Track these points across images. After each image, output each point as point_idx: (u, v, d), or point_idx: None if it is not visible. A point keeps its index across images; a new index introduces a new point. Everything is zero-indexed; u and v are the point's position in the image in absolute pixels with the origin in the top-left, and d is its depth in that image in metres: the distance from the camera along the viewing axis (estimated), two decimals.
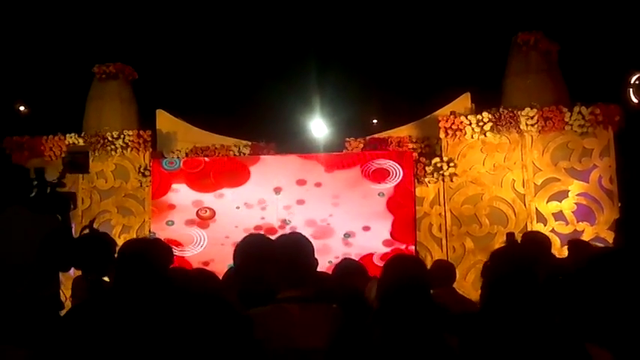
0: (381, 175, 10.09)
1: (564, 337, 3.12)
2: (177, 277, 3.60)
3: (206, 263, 9.70)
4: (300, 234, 3.54)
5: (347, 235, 10.03)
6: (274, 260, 3.38)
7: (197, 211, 10.48)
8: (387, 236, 9.97)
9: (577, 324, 3.16)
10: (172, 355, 2.52)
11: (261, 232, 4.46)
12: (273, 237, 4.25)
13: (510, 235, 6.29)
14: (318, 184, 10.27)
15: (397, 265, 3.70)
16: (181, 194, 10.53)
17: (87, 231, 5.07)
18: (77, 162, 5.44)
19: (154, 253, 3.38)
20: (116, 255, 3.67)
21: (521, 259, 3.79)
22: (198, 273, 3.97)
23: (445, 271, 5.95)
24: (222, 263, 9.89)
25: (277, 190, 10.33)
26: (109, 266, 4.57)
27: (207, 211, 10.48)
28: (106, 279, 4.75)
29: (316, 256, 3.43)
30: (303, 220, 10.18)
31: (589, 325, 3.12)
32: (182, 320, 2.77)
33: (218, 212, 10.44)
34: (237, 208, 10.39)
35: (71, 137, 11.13)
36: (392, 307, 3.18)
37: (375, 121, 16.04)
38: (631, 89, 9.25)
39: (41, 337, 3.35)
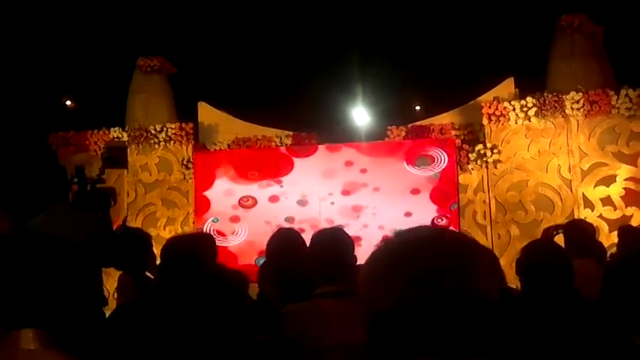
0: (424, 162, 10.01)
1: (609, 328, 3.05)
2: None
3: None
4: (338, 228, 3.51)
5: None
6: (311, 255, 3.36)
7: (239, 200, 10.54)
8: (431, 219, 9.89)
9: (625, 315, 3.08)
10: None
11: (292, 227, 4.42)
12: (313, 230, 4.27)
13: (546, 231, 6.15)
14: (361, 172, 10.23)
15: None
16: (224, 185, 10.59)
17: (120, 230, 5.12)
18: (115, 157, 5.49)
19: (200, 251, 3.40)
20: (161, 252, 3.68)
21: (550, 253, 3.73)
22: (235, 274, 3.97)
23: None
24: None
25: (320, 182, 10.32)
26: (147, 262, 4.61)
27: (250, 199, 10.53)
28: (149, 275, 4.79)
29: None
30: (346, 211, 10.16)
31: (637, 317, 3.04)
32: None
33: (259, 201, 10.49)
34: (279, 199, 10.42)
35: (115, 131, 11.27)
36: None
37: (417, 107, 15.92)
38: None
39: (89, 337, 3.39)
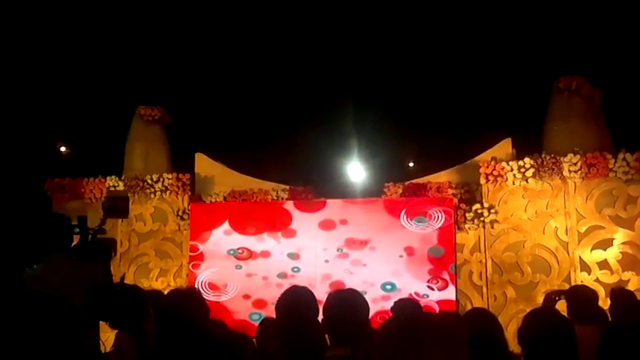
0: (421, 220, 9.98)
1: None
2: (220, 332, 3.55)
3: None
4: (355, 290, 3.43)
5: (387, 288, 9.89)
6: (325, 315, 3.29)
7: (236, 251, 10.46)
8: (425, 283, 9.82)
9: None
10: None
11: (305, 286, 4.34)
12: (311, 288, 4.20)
13: (548, 296, 6.08)
14: (358, 229, 10.19)
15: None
16: (219, 237, 10.51)
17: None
18: (117, 207, 5.45)
19: (193, 312, 3.34)
20: (152, 309, 3.62)
21: (555, 322, 3.66)
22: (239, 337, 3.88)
23: None
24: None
25: (317, 238, 10.27)
26: (144, 320, 4.51)
27: (245, 251, 10.45)
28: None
29: None
30: (342, 266, 10.10)
31: None
32: None
33: (255, 254, 10.42)
34: (273, 253, 10.36)
35: (111, 180, 11.25)
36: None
37: (411, 164, 15.94)
38: None
39: None
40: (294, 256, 10.27)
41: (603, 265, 9.52)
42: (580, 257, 9.60)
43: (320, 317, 3.51)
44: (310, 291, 4.26)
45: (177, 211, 10.95)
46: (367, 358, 3.15)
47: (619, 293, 6.30)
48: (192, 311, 3.62)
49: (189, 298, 3.96)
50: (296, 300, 4.14)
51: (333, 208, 10.37)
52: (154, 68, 14.39)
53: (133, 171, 11.32)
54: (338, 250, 10.18)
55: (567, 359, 3.37)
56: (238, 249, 10.45)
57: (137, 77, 14.26)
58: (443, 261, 9.86)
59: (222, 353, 3.39)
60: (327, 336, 3.48)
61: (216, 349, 3.33)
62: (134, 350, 4.41)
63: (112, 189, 10.96)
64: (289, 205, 10.55)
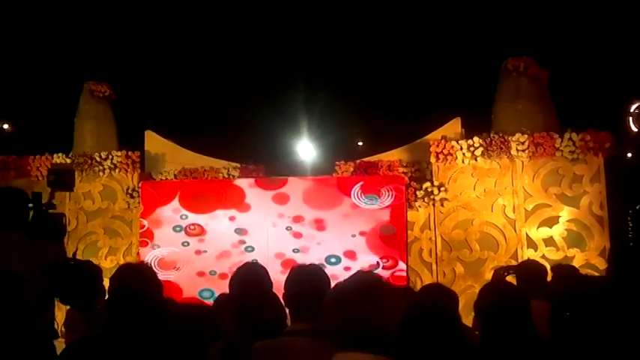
0: (373, 198, 10.05)
1: None
2: (172, 310, 3.50)
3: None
4: (316, 266, 3.44)
5: (332, 261, 9.94)
6: (287, 290, 3.29)
7: (186, 227, 10.39)
8: (376, 260, 9.91)
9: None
10: None
11: (258, 262, 4.35)
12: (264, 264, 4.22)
13: (498, 272, 6.17)
14: (310, 207, 10.21)
15: (421, 293, 3.66)
16: (170, 214, 10.42)
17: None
18: (62, 180, 5.29)
19: (145, 287, 3.29)
20: (110, 285, 3.55)
21: (511, 295, 3.72)
22: (196, 308, 3.84)
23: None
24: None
25: (270, 215, 10.26)
26: (96, 297, 4.44)
27: (196, 227, 10.38)
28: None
29: None
30: (293, 243, 10.12)
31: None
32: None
33: (207, 230, 10.36)
34: (225, 230, 10.32)
35: (58, 157, 11.04)
36: (415, 338, 3.12)
37: (360, 143, 16.01)
38: (630, 118, 9.24)
39: None
40: (242, 231, 10.23)
41: (549, 242, 9.74)
42: (527, 234, 9.81)
43: (282, 293, 3.51)
44: (263, 267, 4.27)
45: (127, 189, 10.80)
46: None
47: (561, 268, 6.43)
48: (145, 287, 3.56)
49: (140, 274, 3.91)
50: (250, 275, 4.15)
51: (294, 185, 10.34)
52: (100, 43, 14.10)
53: (83, 148, 11.11)
54: (287, 228, 10.19)
55: (523, 330, 3.43)
56: (190, 225, 10.37)
57: (82, 53, 13.98)
58: (394, 239, 9.95)
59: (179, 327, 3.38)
60: (288, 311, 3.49)
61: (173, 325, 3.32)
62: (86, 327, 4.35)
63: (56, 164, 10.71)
64: (241, 182, 10.51)
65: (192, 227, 10.37)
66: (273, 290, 4.07)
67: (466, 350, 3.21)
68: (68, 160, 10.97)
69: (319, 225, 10.16)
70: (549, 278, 5.86)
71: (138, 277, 3.47)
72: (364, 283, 2.37)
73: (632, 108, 9.23)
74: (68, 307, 4.84)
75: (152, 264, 10.07)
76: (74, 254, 5.32)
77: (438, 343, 3.07)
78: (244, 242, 10.22)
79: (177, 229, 10.40)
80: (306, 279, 3.27)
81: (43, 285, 4.04)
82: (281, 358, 3.06)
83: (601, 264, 9.43)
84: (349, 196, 10.10)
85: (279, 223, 10.22)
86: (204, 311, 3.27)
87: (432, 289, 4.19)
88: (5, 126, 16.58)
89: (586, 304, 3.34)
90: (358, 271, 2.51)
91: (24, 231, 4.43)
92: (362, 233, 10.01)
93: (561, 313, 3.41)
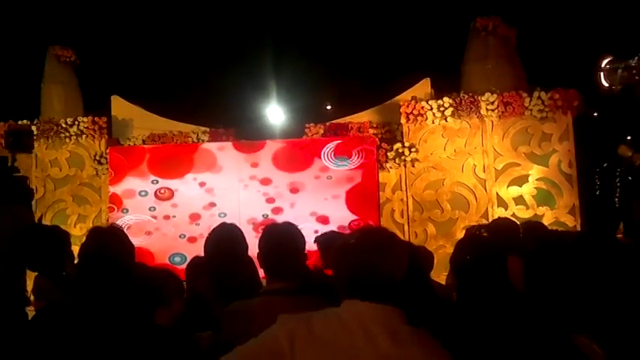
0: (343, 159, 10.02)
1: (547, 327, 3.08)
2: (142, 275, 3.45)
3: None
4: (290, 224, 3.36)
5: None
6: (262, 249, 3.24)
7: (156, 191, 10.29)
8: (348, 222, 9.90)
9: (562, 314, 3.13)
10: None
11: (233, 223, 4.29)
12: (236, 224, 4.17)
13: (470, 230, 6.19)
14: (281, 169, 10.16)
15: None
16: (139, 180, 10.31)
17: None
18: (21, 141, 5.19)
19: (117, 250, 3.24)
20: (76, 252, 3.50)
21: (486, 247, 3.71)
22: (165, 273, 3.79)
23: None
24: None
25: (241, 179, 10.19)
26: (65, 262, 4.35)
27: (166, 191, 10.29)
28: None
29: None
30: (265, 206, 10.09)
31: (575, 315, 3.09)
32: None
33: (177, 194, 10.27)
34: (196, 193, 10.25)
35: (23, 124, 10.78)
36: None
37: (328, 107, 15.91)
38: (602, 73, 9.27)
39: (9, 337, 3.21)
40: (212, 194, 10.17)
41: (519, 200, 9.84)
42: (497, 193, 9.90)
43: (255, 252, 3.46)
44: (238, 227, 4.22)
45: (95, 156, 10.65)
46: (302, 291, 3.15)
47: (530, 225, 6.49)
48: (116, 249, 3.50)
49: (112, 236, 3.83)
50: (224, 236, 4.10)
51: (269, 148, 10.28)
52: (62, 6, 13.76)
53: (51, 114, 10.93)
54: (258, 191, 10.14)
55: (500, 282, 3.42)
56: (159, 189, 10.26)
57: (44, 17, 13.64)
58: (366, 200, 9.95)
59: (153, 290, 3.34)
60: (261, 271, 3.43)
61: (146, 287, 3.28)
62: (55, 293, 4.28)
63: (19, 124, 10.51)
64: (211, 145, 10.42)
65: (161, 191, 10.26)
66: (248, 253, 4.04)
67: (441, 305, 3.21)
68: (34, 127, 10.75)
69: (291, 188, 10.11)
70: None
71: (109, 240, 3.41)
72: (375, 233, 2.45)
73: (603, 64, 9.24)
74: (36, 273, 4.77)
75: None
76: (39, 219, 5.23)
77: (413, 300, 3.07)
78: (215, 205, 10.14)
79: (144, 193, 10.27)
80: (280, 237, 3.22)
81: (14, 250, 3.96)
82: (257, 318, 3.01)
83: (570, 221, 9.55)
84: (320, 157, 10.06)
85: (251, 186, 10.16)
86: (153, 275, 3.25)
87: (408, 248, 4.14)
88: None
89: (558, 254, 3.34)
90: (366, 225, 2.61)
91: None
92: (334, 196, 9.98)
93: (534, 265, 3.41)
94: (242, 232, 4.09)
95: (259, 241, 3.26)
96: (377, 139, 10.20)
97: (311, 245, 5.71)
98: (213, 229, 4.10)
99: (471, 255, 3.54)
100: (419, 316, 2.89)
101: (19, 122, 10.79)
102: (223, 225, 4.19)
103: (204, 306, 3.85)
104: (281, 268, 3.12)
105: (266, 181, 10.14)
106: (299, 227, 3.28)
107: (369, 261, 2.29)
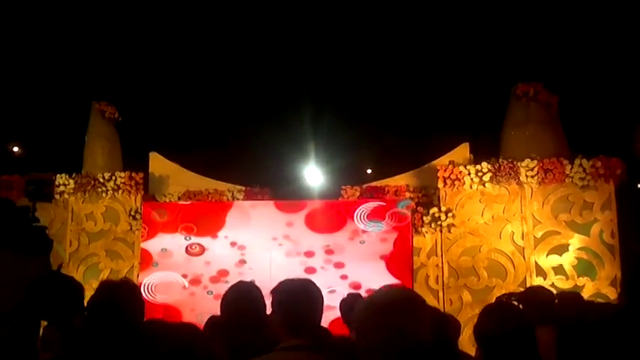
0: (376, 223, 9.87)
1: None
2: (154, 329, 3.35)
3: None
4: (309, 280, 3.24)
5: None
6: (277, 305, 3.11)
7: (186, 247, 10.21)
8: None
9: None
10: None
11: (249, 281, 4.18)
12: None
13: (500, 298, 5.97)
14: (316, 232, 10.05)
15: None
16: (171, 237, 10.26)
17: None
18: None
19: (123, 301, 3.16)
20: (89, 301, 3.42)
21: (513, 317, 3.50)
22: (180, 326, 3.68)
23: None
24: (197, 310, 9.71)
25: (269, 239, 10.09)
26: (75, 313, 4.26)
27: (197, 247, 10.21)
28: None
29: None
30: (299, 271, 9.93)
31: None
32: None
33: (208, 250, 10.18)
34: (227, 250, 10.16)
35: (61, 178, 10.91)
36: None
37: (369, 170, 15.84)
38: None
39: None
40: (242, 252, 10.07)
41: (559, 270, 9.53)
42: (536, 262, 9.61)
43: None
44: (256, 285, 4.08)
45: (130, 211, 10.69)
46: (319, 348, 3.00)
47: (565, 294, 6.26)
48: (122, 302, 3.41)
49: (120, 288, 3.75)
50: (241, 294, 3.97)
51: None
52: (104, 64, 14.06)
53: (94, 168, 11.05)
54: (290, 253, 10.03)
55: (527, 355, 3.23)
56: (191, 245, 10.20)
57: (87, 74, 13.93)
58: (399, 265, 9.74)
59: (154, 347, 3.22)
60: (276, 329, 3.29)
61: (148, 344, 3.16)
62: (58, 345, 4.19)
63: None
64: (243, 203, 10.38)
65: (193, 247, 10.20)
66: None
67: None
68: (72, 181, 10.87)
69: (326, 250, 9.96)
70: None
71: (116, 293, 3.35)
72: (400, 296, 2.37)
73: None
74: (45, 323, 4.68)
75: (149, 289, 9.93)
76: (59, 267, 5.13)
77: None
78: (245, 262, 10.04)
79: (179, 250, 10.22)
80: (298, 293, 3.10)
81: (30, 301, 3.88)
82: None
83: (612, 293, 9.19)
84: (352, 219, 9.92)
85: (285, 245, 10.05)
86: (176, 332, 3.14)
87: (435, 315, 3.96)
88: (15, 148, 16.56)
89: (594, 329, 3.15)
90: (387, 286, 2.53)
91: (11, 247, 4.28)
92: (368, 260, 9.79)
93: (569, 339, 3.21)
94: (259, 291, 3.95)
95: (273, 294, 3.15)
96: (413, 203, 10.05)
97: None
98: (230, 287, 3.98)
99: (497, 324, 3.35)
100: None
101: (58, 175, 10.91)
102: (240, 283, 4.07)
103: None
104: (299, 324, 2.99)
105: (298, 243, 10.03)
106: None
107: (399, 324, 2.21)
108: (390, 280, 9.65)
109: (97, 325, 3.01)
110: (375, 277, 9.66)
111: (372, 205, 9.98)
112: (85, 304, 3.51)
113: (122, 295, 3.25)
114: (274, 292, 3.16)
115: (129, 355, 2.85)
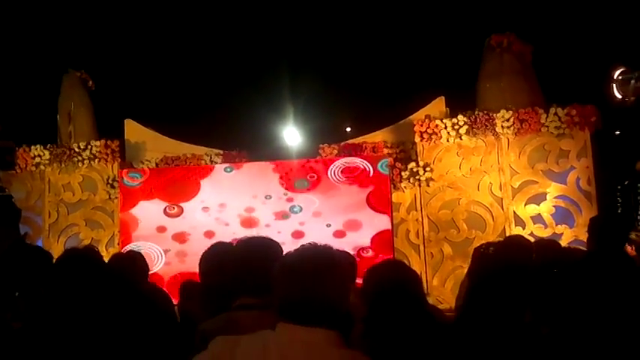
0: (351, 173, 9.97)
1: (551, 343, 2.93)
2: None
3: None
4: (268, 238, 3.20)
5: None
6: (234, 262, 3.09)
7: (164, 209, 10.27)
8: (365, 244, 9.75)
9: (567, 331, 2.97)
10: None
11: (228, 241, 4.16)
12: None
13: (478, 249, 6.00)
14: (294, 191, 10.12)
15: (384, 270, 3.44)
16: (149, 203, 10.27)
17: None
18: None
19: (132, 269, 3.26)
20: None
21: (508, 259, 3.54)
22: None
23: None
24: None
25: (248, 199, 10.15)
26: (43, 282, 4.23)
27: (175, 208, 10.24)
28: None
29: None
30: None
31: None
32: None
33: (186, 210, 10.28)
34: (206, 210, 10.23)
35: (36, 149, 10.80)
36: (383, 315, 2.95)
37: (348, 129, 15.82)
38: (614, 85, 9.06)
39: None
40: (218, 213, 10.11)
41: (537, 219, 9.63)
42: (514, 212, 9.69)
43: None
44: (229, 245, 4.04)
45: (108, 179, 10.62)
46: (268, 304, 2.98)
47: (542, 242, 6.31)
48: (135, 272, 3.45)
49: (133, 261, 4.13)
50: (211, 254, 3.95)
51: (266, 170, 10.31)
52: (76, 31, 13.82)
53: (67, 139, 10.97)
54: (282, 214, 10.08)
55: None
56: (168, 206, 10.24)
57: (58, 42, 13.69)
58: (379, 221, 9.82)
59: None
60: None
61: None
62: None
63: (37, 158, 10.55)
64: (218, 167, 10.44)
65: (171, 208, 10.24)
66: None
67: (434, 328, 3.05)
68: (47, 152, 10.77)
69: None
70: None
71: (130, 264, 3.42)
72: (314, 256, 2.27)
73: (616, 74, 9.03)
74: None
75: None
76: (25, 235, 5.08)
77: (403, 321, 2.91)
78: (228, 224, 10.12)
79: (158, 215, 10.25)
80: (255, 250, 3.06)
81: (5, 274, 3.86)
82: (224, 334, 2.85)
83: None
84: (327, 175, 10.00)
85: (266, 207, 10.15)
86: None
87: (394, 267, 3.83)
88: None
89: (567, 273, 3.19)
90: (309, 243, 2.36)
91: None
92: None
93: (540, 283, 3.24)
94: (232, 249, 3.92)
95: (233, 252, 3.15)
96: (390, 159, 10.06)
97: None
98: (207, 250, 3.96)
99: (378, 284, 3.28)
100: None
101: (33, 147, 10.80)
102: (217, 244, 4.04)
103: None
104: (254, 282, 2.94)
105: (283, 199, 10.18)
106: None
107: (309, 286, 2.17)
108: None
109: (111, 293, 3.04)
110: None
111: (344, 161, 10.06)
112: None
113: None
114: (235, 249, 3.15)
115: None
